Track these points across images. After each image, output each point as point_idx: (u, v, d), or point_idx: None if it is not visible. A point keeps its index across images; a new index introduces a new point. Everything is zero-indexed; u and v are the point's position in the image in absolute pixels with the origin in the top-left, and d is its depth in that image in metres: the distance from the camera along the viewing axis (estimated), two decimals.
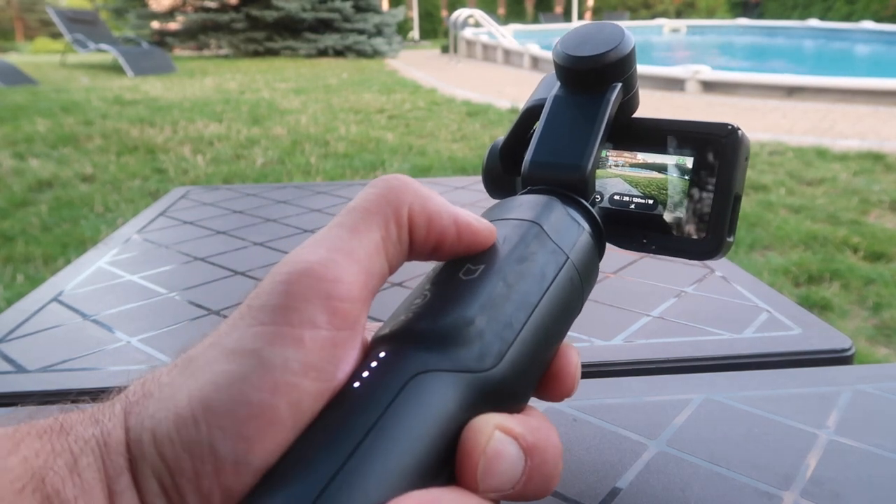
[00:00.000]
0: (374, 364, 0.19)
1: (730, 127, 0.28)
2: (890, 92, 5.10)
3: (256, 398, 0.17)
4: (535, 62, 8.29)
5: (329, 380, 0.18)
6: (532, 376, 0.22)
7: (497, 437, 0.18)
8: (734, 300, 0.55)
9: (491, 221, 0.24)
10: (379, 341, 0.21)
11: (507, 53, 9.25)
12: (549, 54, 8.08)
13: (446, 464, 0.18)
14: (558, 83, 0.29)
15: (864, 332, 1.80)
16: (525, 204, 0.26)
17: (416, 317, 0.21)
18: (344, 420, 0.18)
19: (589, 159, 0.27)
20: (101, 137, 4.35)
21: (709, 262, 0.63)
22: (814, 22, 13.93)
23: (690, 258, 0.29)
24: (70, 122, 4.85)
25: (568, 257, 0.24)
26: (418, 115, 5.19)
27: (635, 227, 0.29)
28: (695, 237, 0.28)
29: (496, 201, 0.28)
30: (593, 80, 0.28)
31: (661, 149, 0.29)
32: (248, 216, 0.82)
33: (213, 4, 12.22)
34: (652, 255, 0.30)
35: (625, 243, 0.29)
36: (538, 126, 0.29)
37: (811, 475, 0.31)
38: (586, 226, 0.26)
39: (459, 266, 0.22)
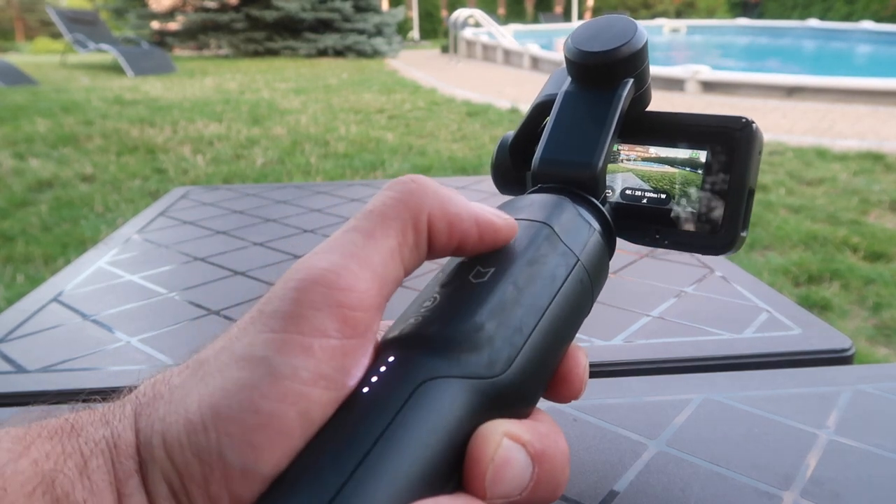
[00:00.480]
0: (382, 369, 0.19)
1: (744, 120, 0.27)
2: (889, 92, 5.10)
3: (265, 407, 0.17)
4: (535, 62, 8.29)
5: (339, 388, 0.18)
6: (541, 380, 0.22)
7: (505, 444, 0.18)
8: (734, 300, 0.55)
9: None
10: (388, 345, 0.20)
11: (507, 53, 9.25)
12: (549, 54, 8.08)
13: (455, 471, 0.18)
14: (569, 78, 0.29)
15: (864, 332, 1.80)
16: (535, 204, 0.25)
17: (425, 321, 0.20)
18: (353, 428, 0.18)
19: (600, 157, 0.26)
20: (101, 137, 4.35)
21: (709, 262, 0.63)
22: (813, 22, 13.92)
23: (704, 253, 0.28)
24: (70, 122, 4.85)
25: (578, 259, 0.23)
26: (418, 115, 5.19)
27: (647, 222, 0.29)
28: (708, 232, 0.27)
29: (502, 199, 0.27)
30: (605, 76, 0.27)
31: (673, 143, 0.28)
32: (248, 216, 0.82)
33: (212, 4, 12.21)
34: (665, 249, 0.29)
35: (637, 238, 0.29)
36: (548, 122, 0.28)
37: (811, 475, 0.31)
38: (597, 225, 0.26)
39: (469, 268, 0.22)
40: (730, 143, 0.27)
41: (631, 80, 0.28)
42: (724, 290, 0.57)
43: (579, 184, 0.27)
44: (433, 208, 0.21)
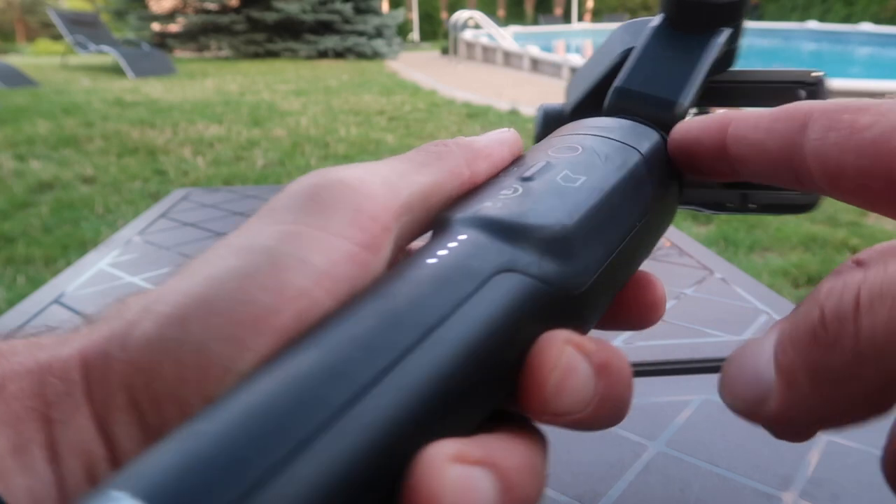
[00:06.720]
0: (452, 244, 0.17)
1: (814, 74, 0.26)
2: (889, 93, 5.11)
3: (261, 298, 0.15)
4: (535, 64, 8.29)
5: (338, 297, 0.16)
6: (608, 300, 0.21)
7: (568, 351, 0.16)
8: (733, 302, 0.55)
9: (584, 136, 0.22)
10: (456, 221, 0.18)
11: (507, 55, 9.26)
12: (548, 56, 8.08)
13: (507, 379, 0.16)
14: (659, 17, 0.27)
15: None
16: (625, 128, 0.23)
17: (507, 209, 0.18)
18: (419, 299, 0.15)
19: (687, 98, 0.24)
20: (101, 139, 4.35)
21: (708, 264, 0.63)
22: (812, 24, 13.92)
23: (791, 212, 0.27)
24: (71, 123, 4.85)
25: (663, 189, 0.22)
26: (418, 117, 5.19)
27: (732, 185, 0.26)
28: (795, 191, 0.26)
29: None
30: (705, 19, 0.25)
31: (748, 103, 0.27)
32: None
33: (213, 6, 12.22)
34: (750, 214, 0.28)
35: (717, 204, 0.27)
36: (633, 54, 0.26)
37: (811, 475, 0.31)
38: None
39: (557, 171, 0.20)
40: (803, 97, 0.26)
41: (728, 31, 0.26)
42: (724, 292, 0.57)
43: (659, 124, 0.24)
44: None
